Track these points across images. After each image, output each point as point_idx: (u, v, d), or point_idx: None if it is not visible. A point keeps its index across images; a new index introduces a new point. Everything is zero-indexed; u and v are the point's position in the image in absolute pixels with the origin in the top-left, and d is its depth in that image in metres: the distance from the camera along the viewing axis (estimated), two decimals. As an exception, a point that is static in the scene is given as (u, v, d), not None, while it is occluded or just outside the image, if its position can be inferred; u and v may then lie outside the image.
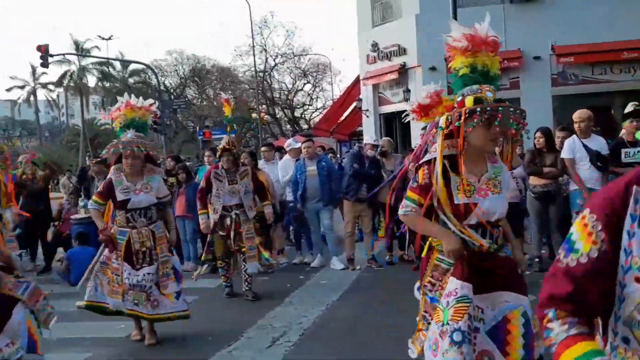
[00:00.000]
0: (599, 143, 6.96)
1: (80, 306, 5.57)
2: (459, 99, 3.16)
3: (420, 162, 3.25)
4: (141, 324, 5.53)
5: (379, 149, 8.73)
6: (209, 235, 6.89)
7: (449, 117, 3.09)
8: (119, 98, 5.69)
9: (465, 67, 3.23)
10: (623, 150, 6.87)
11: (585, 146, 6.88)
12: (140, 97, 5.77)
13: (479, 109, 2.97)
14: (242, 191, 6.79)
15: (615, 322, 1.47)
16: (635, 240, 1.39)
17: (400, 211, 3.24)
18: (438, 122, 3.26)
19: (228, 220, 6.71)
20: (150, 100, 5.83)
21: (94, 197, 5.49)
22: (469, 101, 3.11)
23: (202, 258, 7.12)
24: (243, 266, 6.76)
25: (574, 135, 7.06)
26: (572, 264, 1.45)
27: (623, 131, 7.01)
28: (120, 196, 5.26)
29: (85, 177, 10.71)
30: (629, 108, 7.14)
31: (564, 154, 6.99)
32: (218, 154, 7.02)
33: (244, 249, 6.69)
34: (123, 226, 5.29)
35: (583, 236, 1.45)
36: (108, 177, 5.47)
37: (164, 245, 5.36)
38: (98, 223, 5.40)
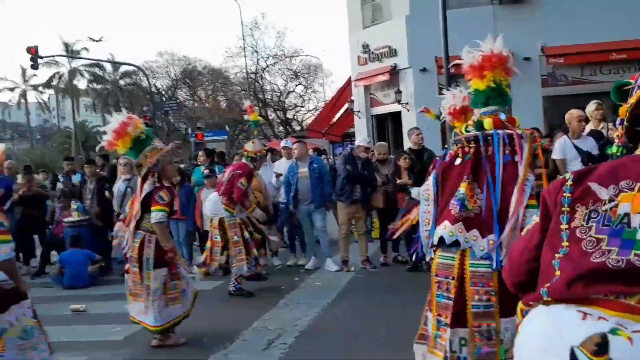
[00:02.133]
0: (589, 143, 7.02)
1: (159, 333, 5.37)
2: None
3: None
4: None
5: (371, 151, 8.79)
6: (245, 233, 6.98)
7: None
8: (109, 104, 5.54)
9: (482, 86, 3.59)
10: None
11: (576, 147, 6.94)
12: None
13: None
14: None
15: None
16: None
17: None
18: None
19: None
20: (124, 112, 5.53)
21: (162, 208, 5.11)
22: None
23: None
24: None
25: (565, 136, 7.12)
26: None
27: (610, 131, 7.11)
28: (175, 205, 5.37)
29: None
30: (591, 106, 7.42)
31: (555, 155, 7.05)
32: (256, 154, 7.18)
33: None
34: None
35: None
36: (162, 185, 5.24)
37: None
38: (167, 240, 5.26)
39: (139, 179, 5.34)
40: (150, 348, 5.36)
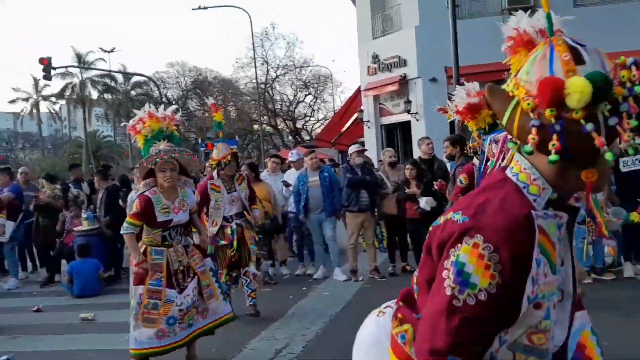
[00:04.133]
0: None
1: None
2: None
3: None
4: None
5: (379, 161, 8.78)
6: (209, 247, 6.24)
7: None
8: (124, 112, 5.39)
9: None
10: (621, 160, 6.94)
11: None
12: (162, 106, 5.27)
13: None
14: (242, 197, 6.58)
15: (499, 347, 1.45)
16: (541, 268, 1.38)
17: None
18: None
19: (229, 230, 6.47)
20: (173, 108, 5.40)
21: (128, 219, 4.83)
22: None
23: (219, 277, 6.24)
24: (245, 281, 6.55)
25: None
26: (470, 301, 1.33)
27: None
28: (160, 217, 4.82)
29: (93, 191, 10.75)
30: None
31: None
32: (220, 161, 6.44)
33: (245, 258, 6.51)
34: (157, 245, 4.86)
35: (479, 269, 1.33)
36: (140, 194, 4.86)
37: (196, 256, 5.03)
38: (134, 252, 4.81)
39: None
40: (157, 357, 5.33)
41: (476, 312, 1.33)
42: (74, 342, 6.13)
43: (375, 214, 8.60)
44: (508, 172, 1.47)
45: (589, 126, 1.28)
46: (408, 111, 17.22)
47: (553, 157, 1.31)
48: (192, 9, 31.73)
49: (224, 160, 6.44)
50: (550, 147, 1.31)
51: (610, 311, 5.54)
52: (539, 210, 1.38)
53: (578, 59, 1.34)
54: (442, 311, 1.34)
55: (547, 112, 1.31)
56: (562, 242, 1.45)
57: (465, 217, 1.39)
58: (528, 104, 1.35)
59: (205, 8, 29.19)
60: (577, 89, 1.27)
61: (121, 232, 4.83)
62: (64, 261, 9.51)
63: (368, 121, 19.34)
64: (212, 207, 6.47)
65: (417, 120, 16.78)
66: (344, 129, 24.17)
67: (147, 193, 4.82)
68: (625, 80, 1.30)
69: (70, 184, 10.72)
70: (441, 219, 1.47)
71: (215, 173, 6.55)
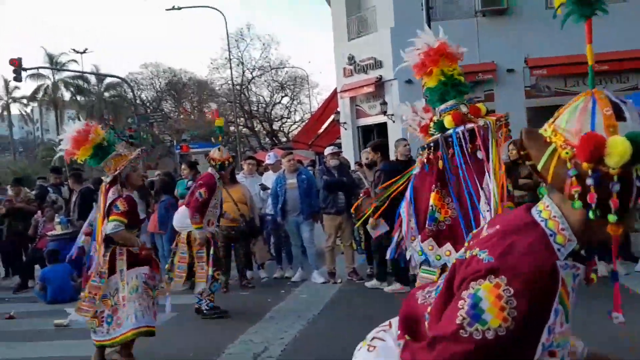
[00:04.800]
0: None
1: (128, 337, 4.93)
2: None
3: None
4: None
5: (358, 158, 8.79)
6: (210, 249, 6.40)
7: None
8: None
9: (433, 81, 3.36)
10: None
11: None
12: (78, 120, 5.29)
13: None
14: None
15: None
16: (558, 318, 1.38)
17: None
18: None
19: (216, 234, 6.63)
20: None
21: (117, 218, 4.78)
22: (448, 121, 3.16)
23: (216, 276, 6.50)
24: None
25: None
26: (476, 336, 1.33)
27: None
28: (141, 215, 5.08)
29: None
30: None
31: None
32: (224, 161, 6.58)
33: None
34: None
35: (494, 309, 1.33)
36: (124, 195, 4.87)
37: None
38: (133, 241, 4.90)
39: (102, 188, 5.02)
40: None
41: (479, 348, 1.33)
42: (49, 349, 6.02)
43: (353, 215, 8.61)
44: (536, 215, 1.47)
45: (616, 187, 1.31)
46: (384, 113, 17.30)
47: (592, 213, 1.34)
48: (166, 9, 31.29)
49: (228, 162, 6.59)
50: (587, 199, 1.33)
51: (585, 309, 5.61)
52: (561, 261, 1.40)
53: (619, 115, 1.37)
54: (447, 336, 1.35)
55: (585, 165, 1.34)
56: (574, 292, 1.47)
57: (491, 257, 1.39)
58: (567, 153, 1.38)
59: (180, 8, 29.00)
60: (619, 150, 1.30)
61: (111, 231, 4.75)
62: (37, 266, 9.36)
63: (345, 123, 19.38)
64: (211, 206, 6.47)
65: (394, 121, 16.86)
66: (321, 130, 24.20)
67: (127, 193, 4.91)
68: None
69: (49, 188, 10.56)
70: (466, 254, 1.47)
71: (215, 173, 6.56)
